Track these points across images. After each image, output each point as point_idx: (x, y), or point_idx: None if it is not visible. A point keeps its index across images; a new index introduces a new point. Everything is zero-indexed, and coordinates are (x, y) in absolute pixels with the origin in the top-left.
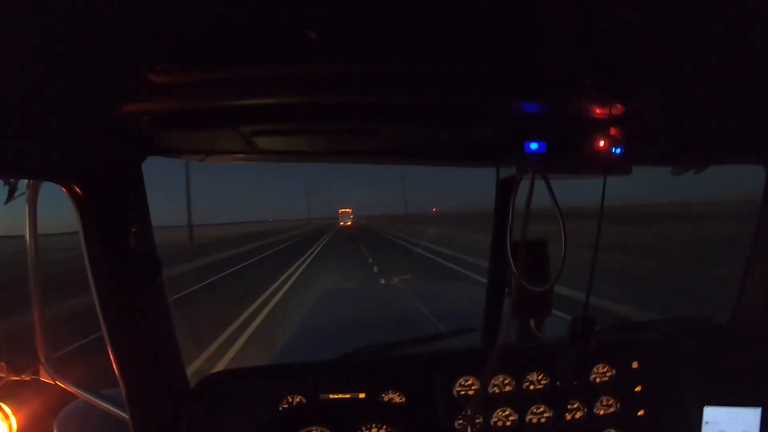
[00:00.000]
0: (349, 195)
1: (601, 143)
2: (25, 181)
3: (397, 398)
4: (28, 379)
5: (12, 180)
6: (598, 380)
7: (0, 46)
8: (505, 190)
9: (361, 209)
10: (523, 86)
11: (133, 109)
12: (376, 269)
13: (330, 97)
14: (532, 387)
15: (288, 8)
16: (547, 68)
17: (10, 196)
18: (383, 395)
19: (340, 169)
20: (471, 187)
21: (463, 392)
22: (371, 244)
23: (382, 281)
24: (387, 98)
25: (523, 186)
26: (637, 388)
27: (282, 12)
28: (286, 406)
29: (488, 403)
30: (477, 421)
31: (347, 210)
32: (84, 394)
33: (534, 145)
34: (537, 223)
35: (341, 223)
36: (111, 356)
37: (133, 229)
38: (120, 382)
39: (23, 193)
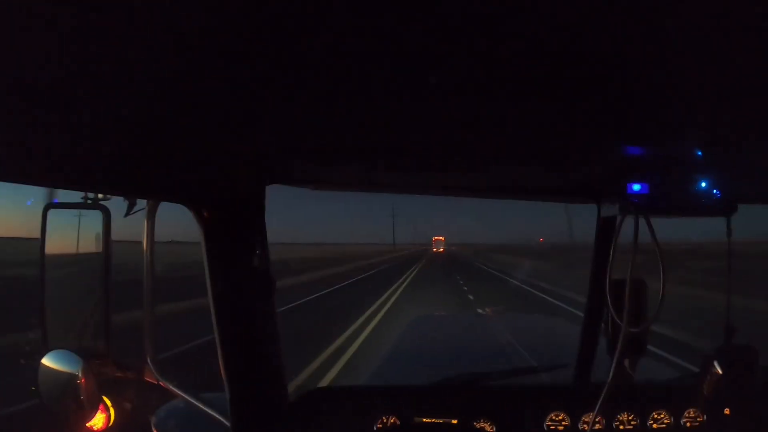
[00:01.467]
0: (438, 222)
1: (703, 184)
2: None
3: (489, 427)
4: (132, 377)
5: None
6: (688, 425)
7: (135, 72)
8: (606, 228)
9: (450, 236)
10: (628, 129)
11: (260, 139)
12: (471, 297)
13: (441, 137)
14: (621, 427)
15: (411, 54)
16: (651, 110)
17: (130, 210)
18: (475, 423)
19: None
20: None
21: (553, 427)
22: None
23: (479, 310)
24: (496, 138)
25: (624, 224)
26: None
27: (406, 57)
28: (380, 426)
29: None
30: None
31: (440, 238)
32: (186, 395)
33: (637, 187)
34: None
35: (434, 249)
36: (221, 364)
37: (253, 252)
38: (227, 388)
39: (142, 208)
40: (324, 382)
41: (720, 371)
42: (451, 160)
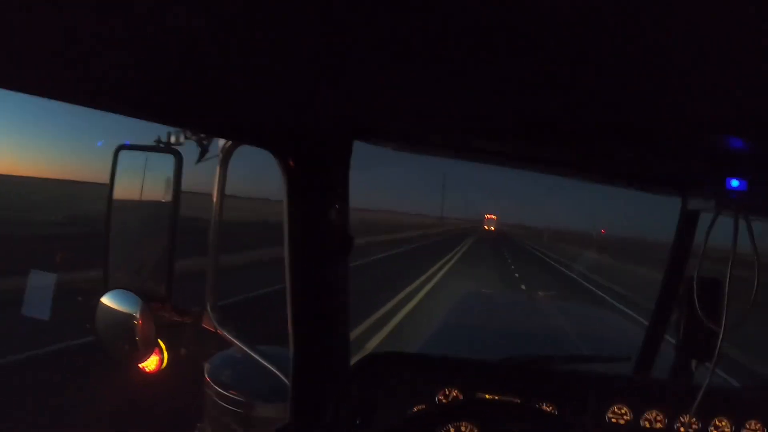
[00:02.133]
0: (492, 200)
1: None
2: (219, 143)
3: (550, 409)
4: (189, 322)
5: (205, 142)
6: None
7: (228, 6)
8: (690, 222)
9: (504, 217)
10: (727, 121)
11: (353, 93)
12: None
13: (535, 111)
14: (682, 429)
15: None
16: (756, 102)
17: (202, 156)
18: (537, 405)
19: (486, 172)
20: (643, 215)
21: (614, 420)
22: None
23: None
24: (594, 118)
25: (706, 220)
26: None
27: (497, 23)
28: (442, 398)
29: None
30: None
31: (493, 216)
32: (243, 345)
33: (735, 182)
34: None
35: (486, 227)
36: (289, 320)
37: (334, 207)
38: (291, 345)
39: (215, 156)
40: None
41: None
42: (542, 133)
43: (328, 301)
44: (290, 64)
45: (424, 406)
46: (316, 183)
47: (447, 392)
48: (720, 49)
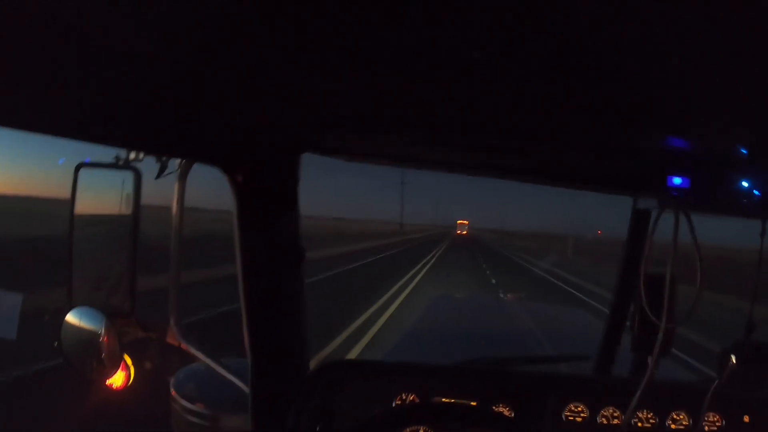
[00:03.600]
0: (463, 207)
1: (745, 184)
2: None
3: (507, 412)
4: (154, 338)
5: (164, 158)
6: (706, 428)
7: (173, 26)
8: (641, 221)
9: (472, 222)
10: (671, 120)
11: (300, 106)
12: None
13: (483, 115)
14: (640, 425)
15: (454, 28)
16: (700, 104)
17: (162, 172)
18: (493, 407)
19: (455, 182)
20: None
21: (572, 418)
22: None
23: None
24: (537, 121)
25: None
26: None
27: (446, 30)
28: (398, 402)
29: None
30: None
31: (465, 222)
32: (207, 359)
33: (677, 180)
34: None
35: (458, 232)
36: (245, 331)
37: (285, 219)
38: (249, 356)
39: (174, 171)
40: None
41: (736, 364)
42: (489, 139)
43: (284, 311)
44: (232, 81)
45: (380, 411)
46: (265, 197)
47: (404, 397)
48: (660, 50)
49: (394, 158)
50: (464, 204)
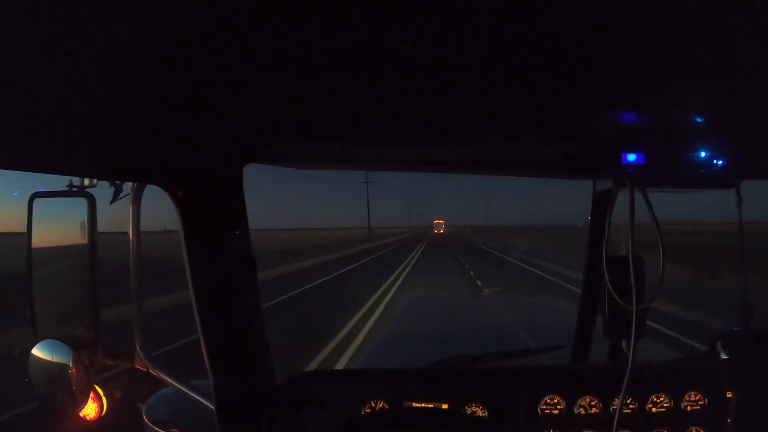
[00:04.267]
0: (438, 206)
1: (702, 154)
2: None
3: (480, 412)
4: (122, 364)
5: (117, 182)
6: (689, 408)
7: (110, 50)
8: (602, 203)
9: (448, 220)
10: (620, 95)
11: (237, 117)
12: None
13: (423, 107)
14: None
15: (382, 20)
16: (648, 75)
17: (116, 196)
18: (466, 408)
19: (428, 181)
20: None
21: (548, 411)
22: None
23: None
24: (482, 109)
25: (622, 200)
26: (728, 420)
27: (376, 22)
28: (368, 410)
29: (573, 424)
30: None
31: (441, 221)
32: (175, 383)
33: (632, 157)
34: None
35: (435, 231)
36: (204, 350)
37: (232, 233)
38: (210, 375)
39: (128, 194)
40: None
41: (724, 355)
42: (437, 133)
43: (240, 327)
44: (161, 96)
45: (348, 421)
46: (210, 212)
47: (373, 404)
48: (601, 22)
49: (340, 162)
50: (440, 203)
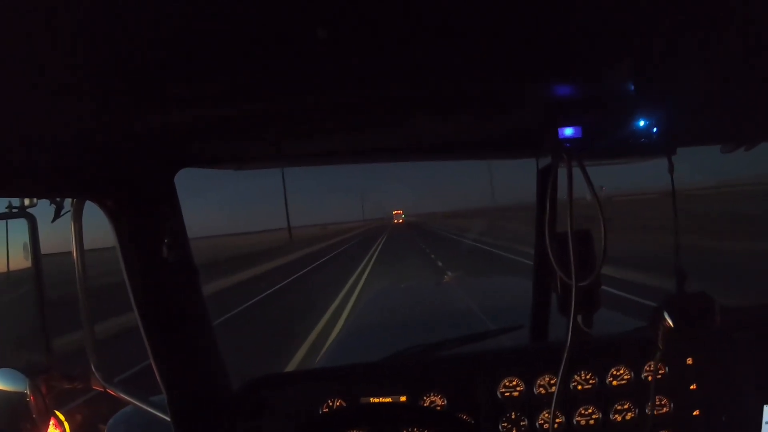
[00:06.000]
0: (396, 198)
1: (641, 123)
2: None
3: (439, 401)
4: (80, 387)
5: (58, 199)
6: (650, 378)
7: (22, 63)
8: (545, 180)
9: (407, 209)
10: (552, 65)
11: (160, 122)
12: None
13: (349, 94)
14: (579, 387)
15: (293, 7)
16: (576, 44)
17: (57, 214)
18: (425, 398)
19: (383, 173)
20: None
21: (507, 393)
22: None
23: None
24: (408, 90)
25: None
26: (692, 387)
27: (287, 11)
28: (326, 410)
29: (533, 404)
30: (522, 423)
31: (399, 212)
32: (133, 400)
33: (569, 131)
34: (583, 213)
35: (395, 221)
36: (152, 364)
37: (168, 240)
38: (162, 388)
39: (69, 211)
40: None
41: (671, 323)
42: (368, 120)
43: (187, 336)
44: (79, 105)
45: (303, 422)
46: (143, 222)
47: (330, 403)
48: None
49: (274, 159)
50: (398, 194)
